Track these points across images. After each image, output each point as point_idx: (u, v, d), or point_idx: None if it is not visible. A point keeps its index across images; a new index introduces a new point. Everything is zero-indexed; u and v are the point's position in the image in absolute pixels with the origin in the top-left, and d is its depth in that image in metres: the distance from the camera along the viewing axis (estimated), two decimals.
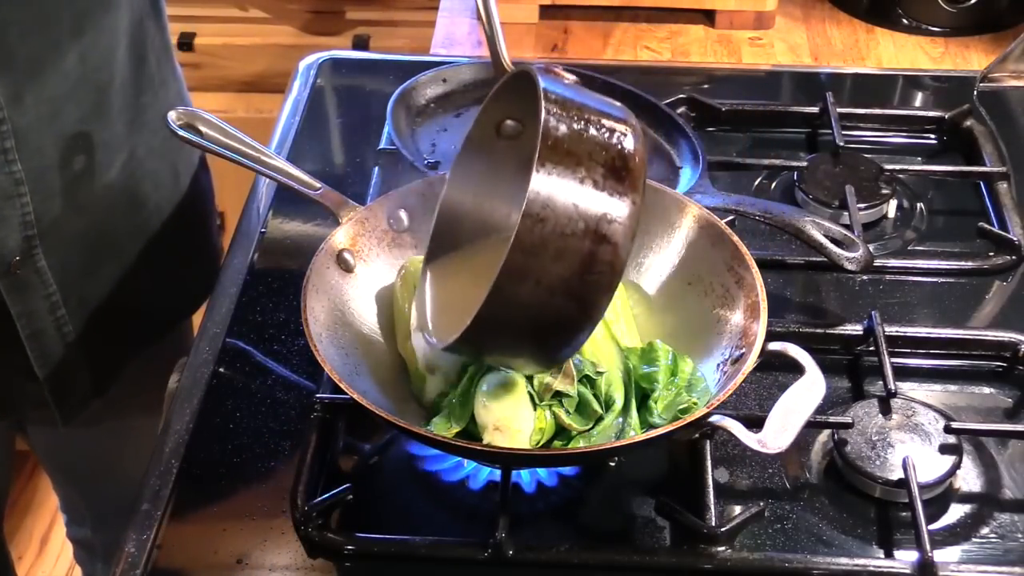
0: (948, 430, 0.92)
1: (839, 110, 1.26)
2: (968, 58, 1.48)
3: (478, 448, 0.86)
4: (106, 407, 1.23)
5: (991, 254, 1.11)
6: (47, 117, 1.02)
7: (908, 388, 0.99)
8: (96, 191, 1.10)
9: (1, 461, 1.36)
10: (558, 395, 0.89)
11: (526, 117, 0.87)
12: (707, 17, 1.56)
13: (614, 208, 0.77)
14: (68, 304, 1.11)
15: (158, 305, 1.24)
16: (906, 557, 0.86)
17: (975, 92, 1.30)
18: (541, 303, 0.77)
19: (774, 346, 0.87)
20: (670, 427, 0.83)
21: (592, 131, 0.78)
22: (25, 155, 1.01)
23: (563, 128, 0.76)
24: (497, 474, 0.90)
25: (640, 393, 0.90)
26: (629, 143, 0.79)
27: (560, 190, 0.75)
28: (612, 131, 0.79)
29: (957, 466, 0.91)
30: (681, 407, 0.88)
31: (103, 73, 1.07)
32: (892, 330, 1.01)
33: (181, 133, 0.98)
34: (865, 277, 1.09)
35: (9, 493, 1.47)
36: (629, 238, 0.78)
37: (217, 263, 1.32)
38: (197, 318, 1.12)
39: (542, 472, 0.91)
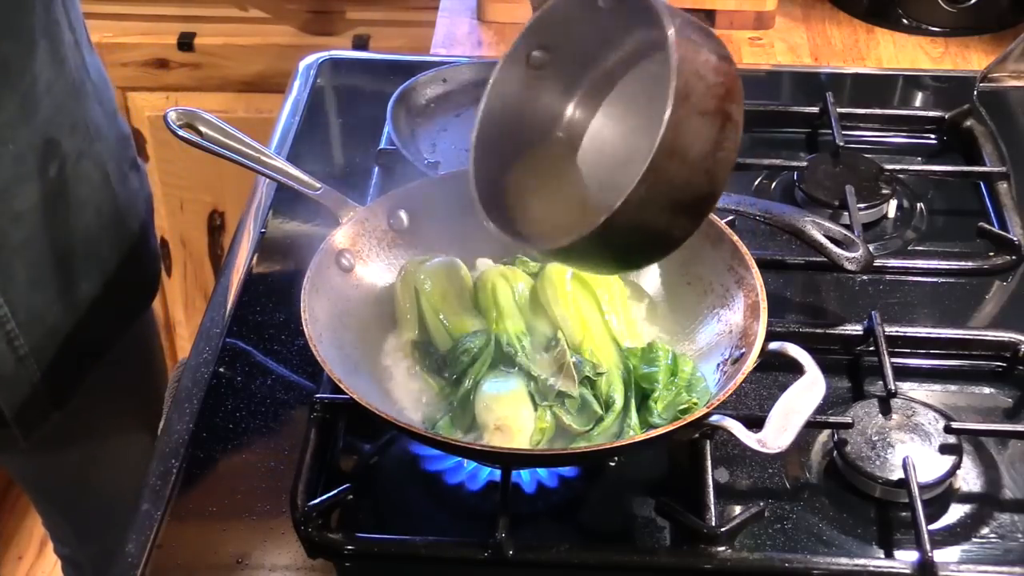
0: (948, 430, 0.92)
1: (839, 110, 1.26)
2: (968, 58, 1.48)
3: (478, 448, 0.86)
4: (74, 426, 1.21)
5: (991, 254, 1.11)
6: None
7: (908, 388, 0.99)
8: (32, 198, 1.07)
9: None
10: (560, 395, 0.89)
11: (556, 45, 0.88)
12: (707, 17, 1.56)
13: (733, 85, 0.80)
14: (17, 317, 1.08)
15: (103, 312, 1.20)
16: (906, 557, 0.86)
17: (975, 92, 1.30)
18: (684, 180, 0.77)
19: (774, 346, 0.87)
20: (670, 427, 0.83)
21: (696, 25, 0.80)
22: None
23: (679, 19, 0.77)
24: (497, 474, 0.90)
25: (640, 393, 0.90)
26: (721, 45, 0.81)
27: (695, 70, 0.77)
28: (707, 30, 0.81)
29: (957, 466, 0.91)
30: (681, 407, 0.88)
31: (25, 76, 1.03)
32: (892, 330, 1.01)
33: (181, 134, 0.98)
34: (865, 277, 1.09)
35: None
36: (742, 117, 0.80)
37: (156, 265, 1.30)
38: (194, 321, 1.11)
39: (542, 472, 0.91)
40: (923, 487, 0.88)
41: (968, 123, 1.26)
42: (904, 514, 0.89)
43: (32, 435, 1.17)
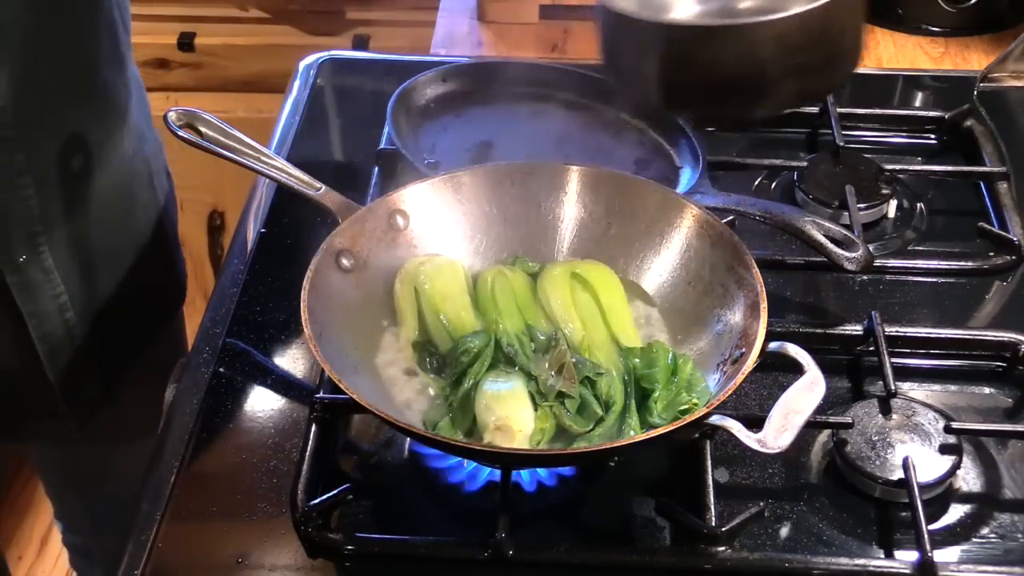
0: (948, 430, 0.92)
1: (839, 110, 1.26)
2: (968, 58, 1.48)
3: (478, 448, 0.86)
4: (108, 415, 1.23)
5: (991, 254, 1.11)
6: (46, 110, 1.03)
7: (908, 388, 0.99)
8: (94, 190, 1.11)
9: None
10: (560, 396, 0.89)
11: None
12: None
13: None
14: (75, 306, 1.12)
15: (145, 308, 1.25)
16: (906, 557, 0.86)
17: (975, 92, 1.30)
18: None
19: (774, 346, 0.87)
20: (670, 427, 0.83)
21: None
22: (26, 147, 1.02)
23: None
24: (497, 474, 0.90)
25: (640, 393, 0.90)
26: None
27: None
28: None
29: (957, 466, 0.91)
30: (681, 407, 0.88)
31: (88, 73, 1.08)
32: (892, 330, 1.01)
33: (181, 134, 0.98)
34: (865, 277, 1.09)
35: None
36: None
37: (182, 267, 1.35)
38: (194, 321, 1.11)
39: (542, 472, 0.91)
40: (923, 487, 0.88)
41: (968, 123, 1.26)
42: (904, 514, 0.89)
43: (84, 430, 1.19)
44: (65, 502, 1.50)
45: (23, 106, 1.00)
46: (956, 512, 0.90)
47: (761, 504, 0.89)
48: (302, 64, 1.40)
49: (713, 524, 0.86)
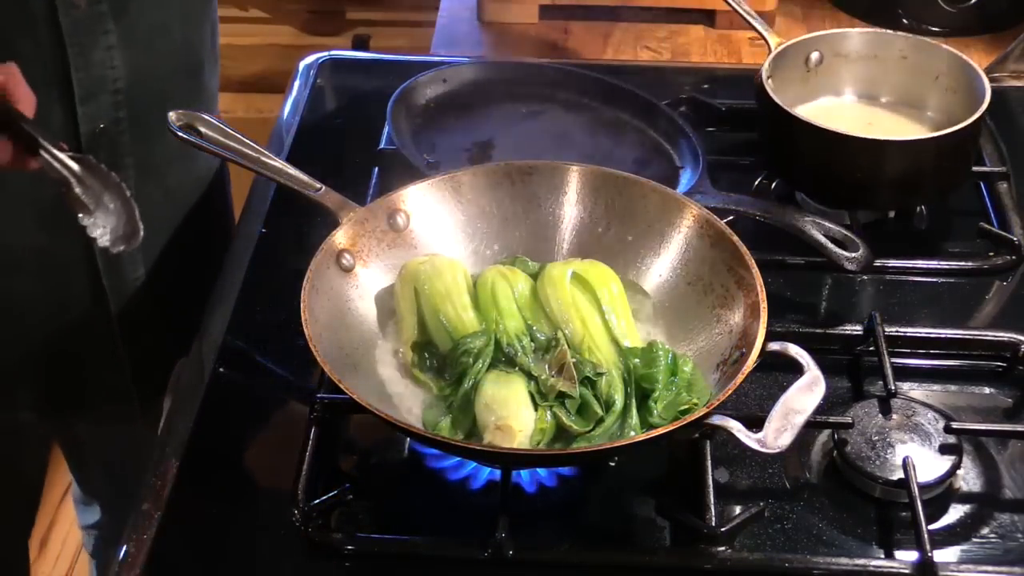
0: (948, 430, 0.92)
1: None
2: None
3: (478, 448, 0.86)
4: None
5: (991, 254, 1.11)
6: (155, 102, 1.08)
7: (908, 388, 0.99)
8: (188, 175, 1.17)
9: (40, 466, 1.38)
10: (561, 396, 0.89)
11: None
12: (707, 17, 1.56)
13: None
14: (153, 288, 1.16)
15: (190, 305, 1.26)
16: (906, 557, 0.86)
17: None
18: None
19: (774, 346, 0.87)
20: (670, 427, 0.83)
21: None
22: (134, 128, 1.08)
23: None
24: (497, 474, 0.90)
25: (640, 393, 0.90)
26: None
27: None
28: None
29: (957, 466, 0.91)
30: (681, 407, 0.88)
31: (193, 52, 1.15)
32: (892, 330, 1.01)
33: (181, 134, 0.98)
34: (865, 277, 1.09)
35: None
36: None
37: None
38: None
39: (542, 472, 0.91)
40: (923, 487, 0.88)
41: None
42: (904, 514, 0.89)
43: (149, 415, 1.20)
44: (87, 475, 1.51)
45: (137, 91, 1.06)
46: (956, 512, 0.90)
47: (761, 504, 0.89)
48: (302, 64, 1.40)
49: (713, 524, 0.86)
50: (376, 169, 1.20)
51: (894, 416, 0.94)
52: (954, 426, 0.92)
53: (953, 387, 1.00)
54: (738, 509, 0.89)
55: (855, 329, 1.02)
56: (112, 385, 1.20)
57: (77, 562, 2.12)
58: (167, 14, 1.10)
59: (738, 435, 0.81)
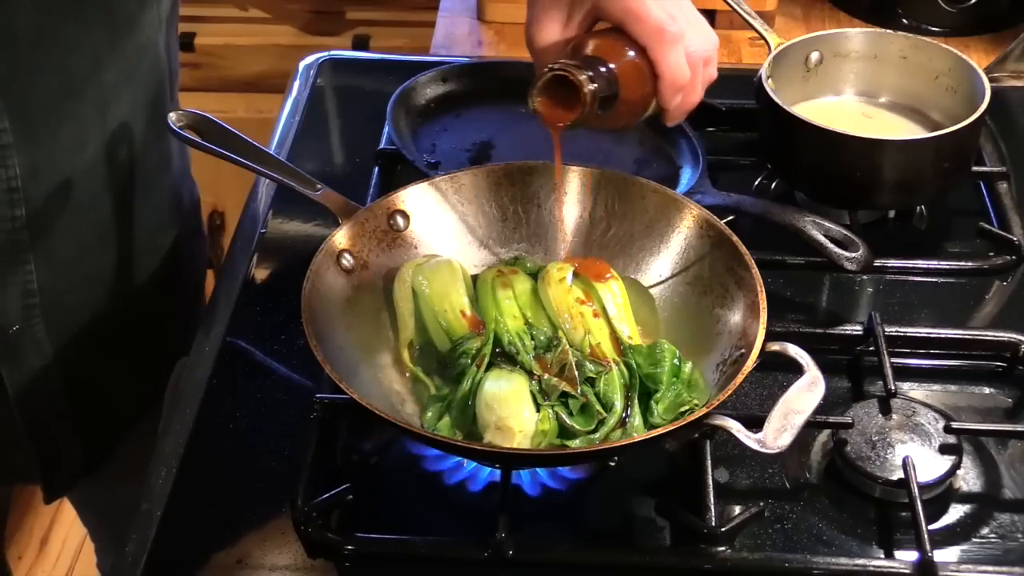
0: (948, 430, 0.92)
1: None
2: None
3: (478, 448, 0.86)
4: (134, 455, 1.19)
5: (991, 254, 1.11)
6: (62, 189, 1.00)
7: (908, 388, 0.99)
8: (103, 265, 1.07)
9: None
10: (563, 396, 0.89)
11: None
12: (707, 17, 1.55)
13: None
14: (64, 377, 1.08)
15: (138, 384, 1.18)
16: (906, 557, 0.86)
17: None
18: None
19: (774, 346, 0.87)
20: (670, 427, 0.83)
21: None
22: (34, 224, 0.98)
23: None
24: (497, 474, 0.90)
25: (642, 392, 0.90)
26: None
27: None
28: None
29: (957, 466, 0.91)
30: (682, 407, 0.88)
31: (122, 149, 1.05)
32: (892, 330, 1.01)
33: (181, 134, 0.98)
34: (865, 277, 1.09)
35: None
36: None
37: (187, 346, 1.25)
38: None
39: (543, 472, 0.91)
40: (923, 487, 0.88)
41: None
42: (904, 514, 0.89)
43: (55, 498, 1.17)
44: (96, 528, 1.46)
45: (39, 186, 0.97)
46: (956, 512, 0.90)
47: (761, 504, 0.89)
48: (302, 64, 1.40)
49: (713, 524, 0.86)
50: (376, 169, 1.20)
51: (894, 416, 0.94)
52: (954, 426, 0.92)
53: (953, 387, 1.00)
54: (738, 509, 0.89)
55: (855, 329, 1.02)
56: (17, 463, 1.12)
57: (77, 562, 2.12)
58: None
59: (738, 435, 0.81)
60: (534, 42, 0.98)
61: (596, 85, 0.91)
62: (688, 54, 0.95)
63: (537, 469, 0.91)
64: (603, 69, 0.92)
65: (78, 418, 1.12)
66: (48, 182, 0.98)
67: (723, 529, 0.86)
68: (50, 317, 1.04)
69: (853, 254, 1.02)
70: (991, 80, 1.13)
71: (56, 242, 1.01)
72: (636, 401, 0.90)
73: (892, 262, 1.10)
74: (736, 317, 0.92)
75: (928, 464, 0.90)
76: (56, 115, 0.97)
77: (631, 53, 0.94)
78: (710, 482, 0.88)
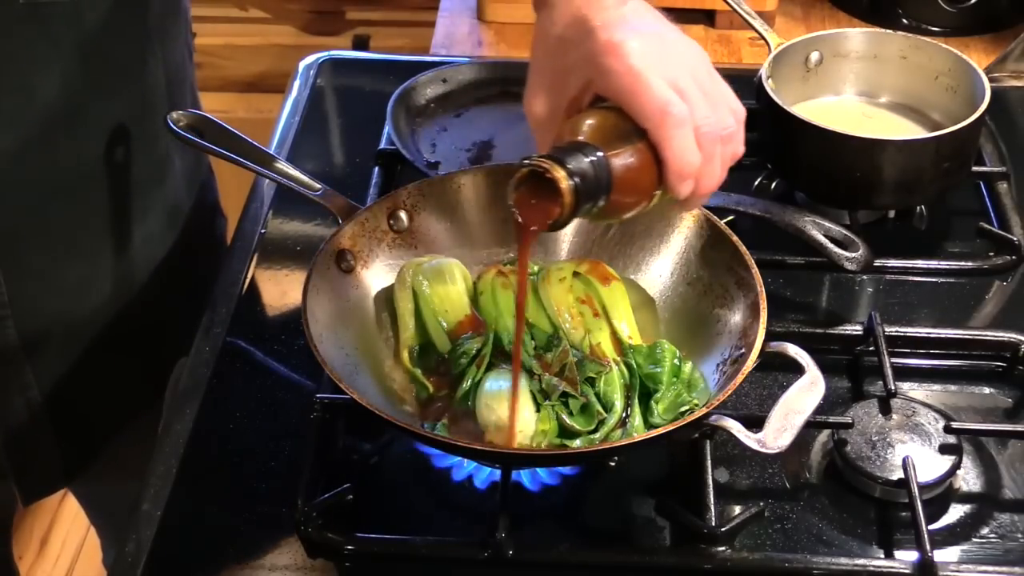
0: (948, 430, 0.92)
1: None
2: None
3: (478, 448, 0.86)
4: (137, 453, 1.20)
5: (991, 254, 1.11)
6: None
7: (908, 388, 0.99)
8: (82, 277, 1.04)
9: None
10: (563, 396, 0.89)
11: None
12: (707, 17, 1.56)
13: None
14: (40, 383, 1.05)
15: (123, 391, 1.15)
16: (906, 557, 0.86)
17: None
18: None
19: (774, 346, 0.87)
20: (670, 427, 0.83)
21: None
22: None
23: None
24: (498, 474, 0.90)
25: (642, 392, 0.90)
26: None
27: None
28: None
29: (957, 466, 0.91)
30: (682, 407, 0.88)
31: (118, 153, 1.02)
32: (892, 330, 1.01)
33: (181, 134, 0.98)
34: (865, 277, 1.09)
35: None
36: None
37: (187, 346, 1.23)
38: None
39: (543, 472, 0.91)
40: (923, 487, 0.88)
41: None
42: (904, 514, 0.89)
43: (31, 503, 1.15)
44: (104, 528, 1.45)
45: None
46: (956, 512, 0.90)
47: (761, 504, 0.89)
48: (302, 64, 1.40)
49: (713, 524, 0.86)
50: (376, 169, 1.20)
51: (894, 416, 0.94)
52: (954, 426, 0.92)
53: (953, 387, 1.00)
54: (738, 509, 0.89)
55: (855, 329, 1.02)
56: None
57: (77, 562, 2.12)
58: None
59: (738, 435, 0.81)
60: (529, 116, 0.87)
61: (577, 180, 0.77)
62: (701, 135, 0.80)
63: (537, 469, 0.91)
64: (591, 158, 0.78)
65: (56, 427, 1.09)
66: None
67: (723, 529, 0.86)
68: (23, 326, 1.01)
69: (853, 254, 1.02)
70: (991, 80, 1.13)
71: (24, 253, 0.98)
72: (636, 401, 0.90)
73: (892, 262, 1.10)
74: (736, 317, 0.92)
75: (928, 464, 0.90)
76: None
77: (631, 135, 0.80)
78: (710, 482, 0.88)
